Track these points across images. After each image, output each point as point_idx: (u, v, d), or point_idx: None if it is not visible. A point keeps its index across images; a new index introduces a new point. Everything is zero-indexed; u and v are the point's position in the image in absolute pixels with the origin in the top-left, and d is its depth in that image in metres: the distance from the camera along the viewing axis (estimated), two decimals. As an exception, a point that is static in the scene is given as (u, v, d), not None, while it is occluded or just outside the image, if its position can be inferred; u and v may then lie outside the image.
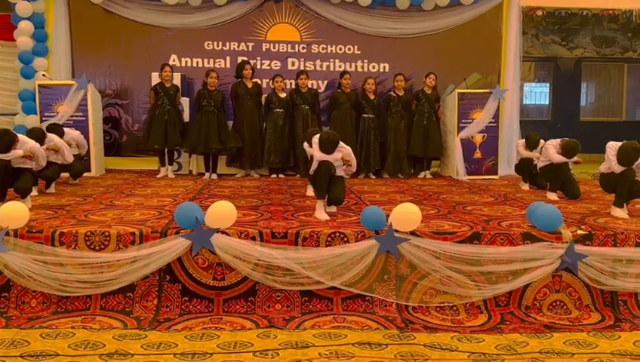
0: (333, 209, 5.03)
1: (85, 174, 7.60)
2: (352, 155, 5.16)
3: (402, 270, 4.19)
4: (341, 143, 4.95)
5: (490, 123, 8.35)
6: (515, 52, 9.27)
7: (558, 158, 6.06)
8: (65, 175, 6.81)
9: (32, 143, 5.31)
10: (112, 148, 9.04)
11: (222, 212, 4.15)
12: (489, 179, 8.22)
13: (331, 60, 9.24)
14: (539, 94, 13.00)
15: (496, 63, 9.33)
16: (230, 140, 8.06)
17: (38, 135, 5.82)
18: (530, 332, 3.79)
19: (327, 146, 4.82)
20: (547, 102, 12.90)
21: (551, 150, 6.14)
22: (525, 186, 7.05)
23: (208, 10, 8.89)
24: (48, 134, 6.19)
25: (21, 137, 5.18)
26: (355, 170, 5.45)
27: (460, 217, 4.94)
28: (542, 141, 6.72)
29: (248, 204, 5.56)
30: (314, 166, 4.95)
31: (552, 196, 6.14)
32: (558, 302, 4.23)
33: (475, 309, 4.14)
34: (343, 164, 5.07)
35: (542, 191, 6.52)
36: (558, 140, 6.18)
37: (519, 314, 4.11)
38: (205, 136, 7.94)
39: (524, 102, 12.41)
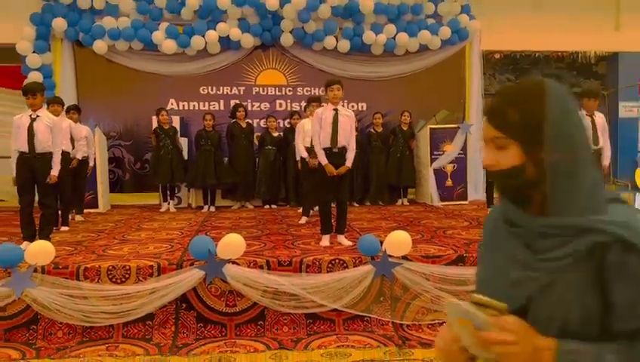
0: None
1: (93, 210, 7.62)
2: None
3: (396, 291, 4.24)
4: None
5: (459, 154, 8.54)
6: (478, 90, 9.54)
7: None
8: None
9: None
10: (115, 185, 8.98)
11: (233, 244, 4.18)
12: (460, 204, 8.36)
13: (315, 101, 9.33)
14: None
15: (462, 100, 9.56)
16: (225, 175, 8.10)
17: None
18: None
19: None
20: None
21: None
22: (494, 210, 7.18)
23: (203, 58, 8.95)
24: None
25: None
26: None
27: (442, 241, 5.02)
28: None
29: (249, 234, 5.57)
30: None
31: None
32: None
33: (463, 325, 4.20)
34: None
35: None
36: None
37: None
38: (203, 173, 7.98)
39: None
